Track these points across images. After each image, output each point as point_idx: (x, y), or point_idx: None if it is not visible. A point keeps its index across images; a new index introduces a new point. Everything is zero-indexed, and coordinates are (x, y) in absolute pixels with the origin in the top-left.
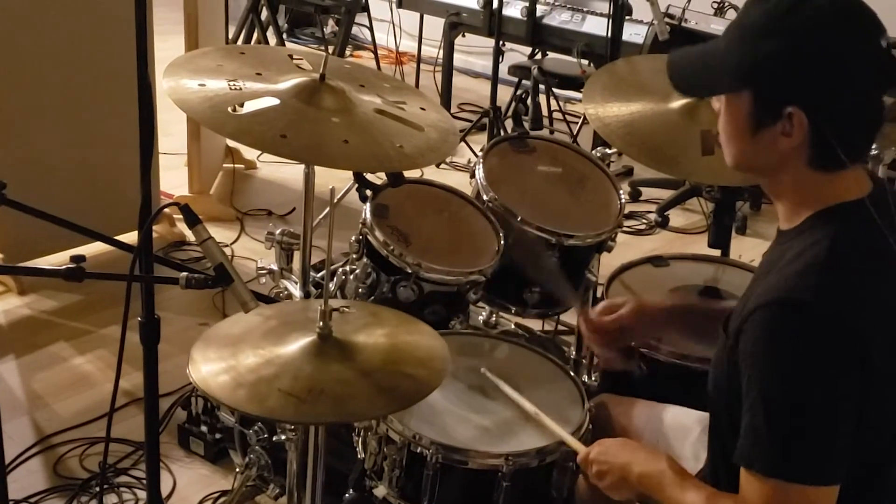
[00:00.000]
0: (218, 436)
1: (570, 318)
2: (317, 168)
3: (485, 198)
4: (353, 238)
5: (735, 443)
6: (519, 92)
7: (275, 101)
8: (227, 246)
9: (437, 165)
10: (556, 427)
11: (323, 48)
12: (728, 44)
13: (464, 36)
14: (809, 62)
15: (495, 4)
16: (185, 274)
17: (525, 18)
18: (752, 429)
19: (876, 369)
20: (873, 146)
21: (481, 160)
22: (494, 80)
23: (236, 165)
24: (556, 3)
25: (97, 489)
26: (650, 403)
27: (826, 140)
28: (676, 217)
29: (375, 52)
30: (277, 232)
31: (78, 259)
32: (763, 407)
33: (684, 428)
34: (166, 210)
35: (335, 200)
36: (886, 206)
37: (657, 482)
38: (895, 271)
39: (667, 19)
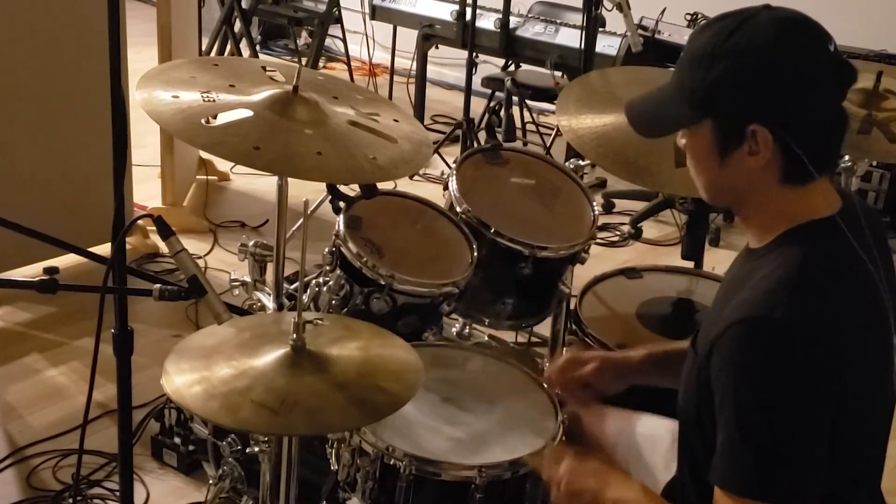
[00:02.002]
0: (191, 448)
1: (543, 329)
2: (290, 180)
3: (458, 209)
4: (327, 250)
5: (706, 459)
6: (492, 104)
7: (248, 113)
8: (200, 258)
9: (411, 177)
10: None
11: (296, 60)
12: (679, 77)
13: (437, 48)
14: (761, 77)
15: (468, 16)
16: (158, 286)
17: (498, 30)
18: (726, 447)
19: (849, 386)
20: (846, 158)
21: (454, 172)
22: (468, 91)
23: (209, 177)
24: (530, 15)
25: (70, 501)
26: (622, 412)
27: (793, 152)
28: (650, 229)
29: (349, 64)
30: (251, 244)
31: (51, 271)
32: (737, 425)
33: (656, 439)
34: (140, 222)
35: (308, 212)
36: (857, 221)
37: None
38: (866, 287)
39: (640, 31)
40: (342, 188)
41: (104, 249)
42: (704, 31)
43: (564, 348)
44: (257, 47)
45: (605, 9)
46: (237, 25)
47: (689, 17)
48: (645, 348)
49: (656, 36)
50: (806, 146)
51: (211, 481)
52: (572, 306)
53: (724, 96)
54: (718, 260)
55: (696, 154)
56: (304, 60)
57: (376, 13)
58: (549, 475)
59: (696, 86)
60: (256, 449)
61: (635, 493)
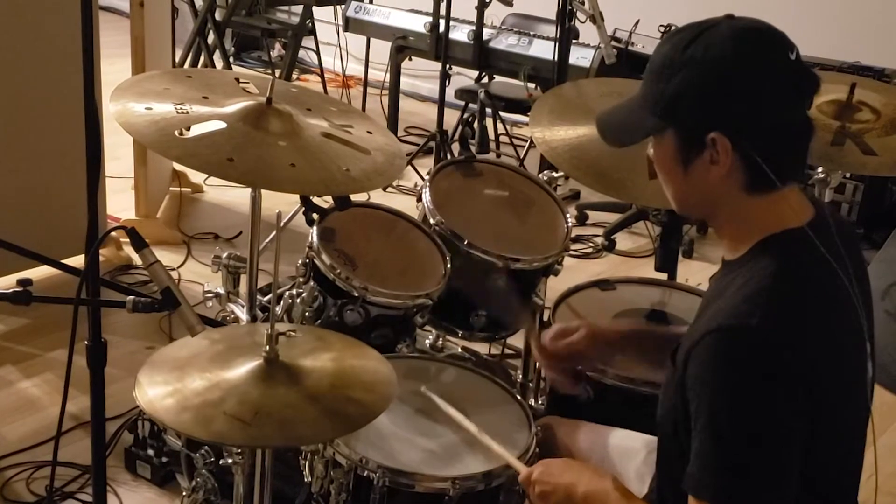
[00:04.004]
0: (165, 459)
1: (516, 341)
2: (263, 191)
3: (431, 221)
4: (300, 262)
5: (683, 469)
6: (466, 115)
7: (221, 125)
8: (173, 269)
9: (384, 189)
10: (498, 447)
11: (270, 71)
12: (644, 88)
13: (410, 59)
14: (717, 86)
15: (442, 28)
16: (131, 297)
17: (472, 42)
18: (700, 456)
19: (823, 396)
20: (819, 170)
21: (428, 184)
22: (441, 103)
23: (183, 189)
24: (503, 27)
25: None
26: (595, 426)
27: (754, 160)
28: (623, 240)
29: (322, 76)
30: (224, 255)
31: (25, 282)
32: (711, 434)
33: (629, 451)
34: (113, 234)
35: (282, 224)
36: (828, 230)
37: (603, 503)
38: (839, 298)
39: (613, 43)
40: (316, 200)
41: (78, 261)
42: (667, 41)
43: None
44: (231, 59)
45: (579, 20)
46: (211, 37)
47: (662, 29)
48: (633, 323)
49: (630, 48)
50: (766, 154)
51: (184, 493)
52: (546, 318)
53: (683, 105)
54: (692, 272)
55: (661, 163)
56: (277, 72)
57: (350, 25)
58: (524, 477)
59: (658, 95)
60: (230, 461)
61: (608, 487)
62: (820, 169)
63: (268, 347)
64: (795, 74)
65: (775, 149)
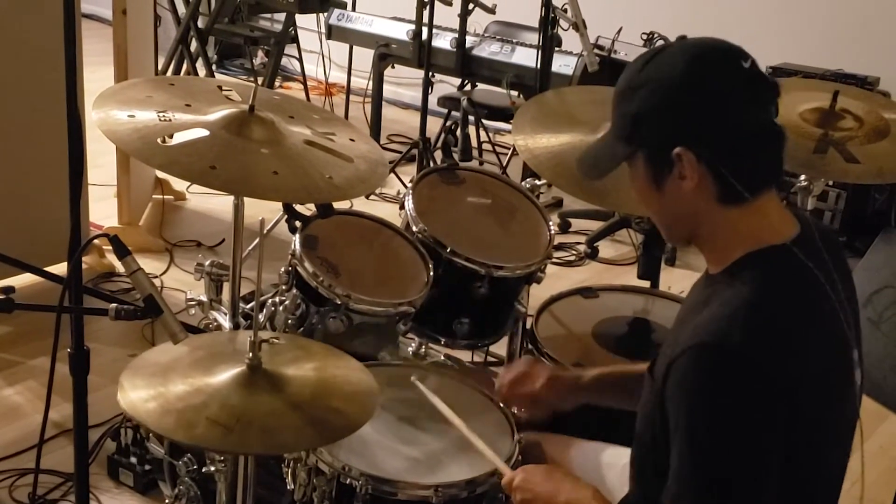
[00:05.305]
0: (147, 467)
1: (499, 349)
2: (246, 199)
3: (414, 229)
4: (283, 269)
5: (659, 481)
6: (448, 123)
7: (204, 133)
8: (156, 277)
9: (367, 197)
10: (484, 446)
11: (252, 79)
12: (612, 116)
13: (393, 67)
14: (675, 101)
15: (425, 36)
16: (114, 305)
17: (454, 50)
18: (678, 469)
19: (803, 414)
20: (801, 178)
21: (411, 191)
22: (424, 111)
23: (166, 196)
24: (486, 35)
25: None
26: (586, 444)
27: (721, 172)
28: (606, 248)
29: (305, 84)
30: (207, 263)
31: (7, 290)
32: (689, 450)
33: (620, 467)
34: (96, 241)
35: (264, 232)
36: (814, 244)
37: None
38: (824, 315)
39: (596, 51)
40: (298, 207)
41: (60, 269)
42: (627, 68)
43: (520, 358)
44: (213, 67)
45: (562, 28)
46: (193, 45)
47: (645, 37)
48: (598, 369)
49: (612, 55)
50: (732, 164)
51: (167, 500)
52: (528, 326)
53: (645, 125)
54: (674, 279)
55: (638, 188)
56: (260, 80)
57: (332, 33)
58: (507, 481)
59: (622, 120)
60: (212, 468)
61: (588, 497)
62: (802, 177)
63: (251, 355)
64: (751, 81)
65: (741, 158)
